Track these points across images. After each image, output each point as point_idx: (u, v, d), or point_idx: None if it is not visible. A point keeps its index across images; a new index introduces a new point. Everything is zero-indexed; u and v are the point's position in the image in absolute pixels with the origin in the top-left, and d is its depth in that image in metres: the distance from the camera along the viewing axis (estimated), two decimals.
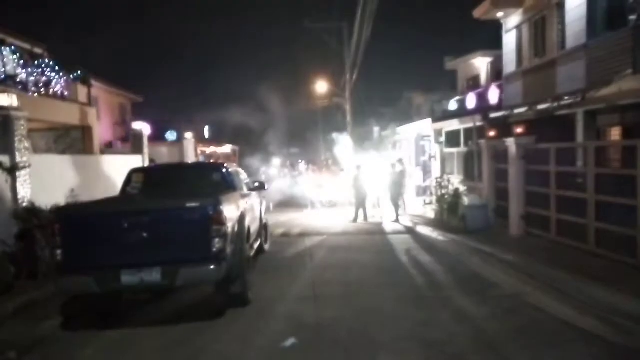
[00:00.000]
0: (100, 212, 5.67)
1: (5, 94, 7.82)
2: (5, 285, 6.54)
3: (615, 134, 10.01)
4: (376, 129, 26.04)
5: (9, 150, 7.59)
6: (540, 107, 11.07)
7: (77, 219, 5.47)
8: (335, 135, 32.24)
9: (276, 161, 28.82)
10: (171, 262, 5.20)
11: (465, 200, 11.23)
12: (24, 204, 7.64)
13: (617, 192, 7.28)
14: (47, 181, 8.44)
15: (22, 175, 7.72)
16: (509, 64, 14.44)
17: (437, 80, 24.58)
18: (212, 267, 5.24)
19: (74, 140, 13.12)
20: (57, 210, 5.71)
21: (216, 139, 31.62)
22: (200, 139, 25.62)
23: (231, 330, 5.15)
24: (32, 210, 7.56)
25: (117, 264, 5.21)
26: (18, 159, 7.65)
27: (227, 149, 31.79)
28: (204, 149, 26.79)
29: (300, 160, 30.10)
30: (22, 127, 7.87)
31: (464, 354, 4.32)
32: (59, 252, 5.23)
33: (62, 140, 13.03)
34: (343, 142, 21.28)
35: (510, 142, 10.02)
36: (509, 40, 14.39)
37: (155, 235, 5.23)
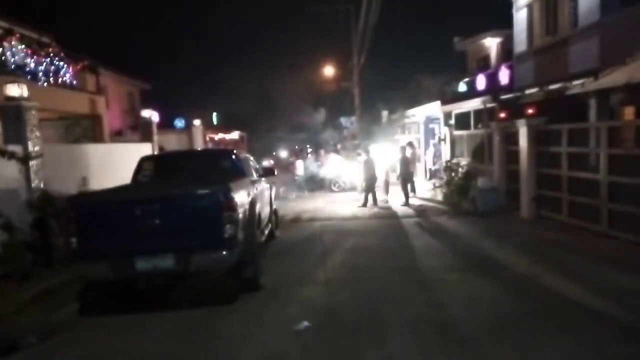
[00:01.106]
0: (113, 200, 5.74)
1: (16, 85, 7.85)
2: (23, 273, 6.68)
3: (628, 113, 9.84)
4: (385, 113, 25.84)
5: (22, 140, 7.67)
6: (552, 87, 10.90)
7: (91, 207, 5.54)
8: (343, 119, 32.07)
9: (284, 147, 28.79)
10: (184, 248, 5.26)
11: (476, 183, 11.17)
12: (38, 193, 7.75)
13: (630, 173, 7.19)
14: (59, 170, 8.53)
15: (35, 165, 7.81)
16: (520, 43, 14.19)
17: (446, 62, 24.26)
18: (224, 252, 5.30)
19: (84, 130, 13.22)
20: (71, 199, 5.78)
21: (224, 126, 31.66)
22: (208, 126, 25.64)
23: (244, 314, 5.23)
24: (46, 199, 7.67)
25: (131, 250, 5.28)
26: (30, 148, 7.74)
27: (235, 135, 31.84)
28: (212, 135, 26.84)
29: (308, 146, 30.05)
30: (33, 117, 7.93)
31: (475, 336, 4.34)
32: (73, 239, 5.31)
33: (73, 129, 13.13)
34: (350, 126, 21.16)
35: (521, 124, 9.90)
36: (520, 18, 14.12)
37: (168, 222, 5.28)
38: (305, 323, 4.78)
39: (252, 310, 5.34)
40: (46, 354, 4.57)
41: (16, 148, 7.52)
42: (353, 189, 16.23)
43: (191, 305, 5.63)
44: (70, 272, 6.13)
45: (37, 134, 7.96)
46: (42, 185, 7.89)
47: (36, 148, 7.86)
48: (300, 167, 18.87)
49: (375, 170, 13.66)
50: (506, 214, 10.34)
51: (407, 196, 13.36)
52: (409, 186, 13.73)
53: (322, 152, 22.55)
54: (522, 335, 4.33)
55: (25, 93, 7.85)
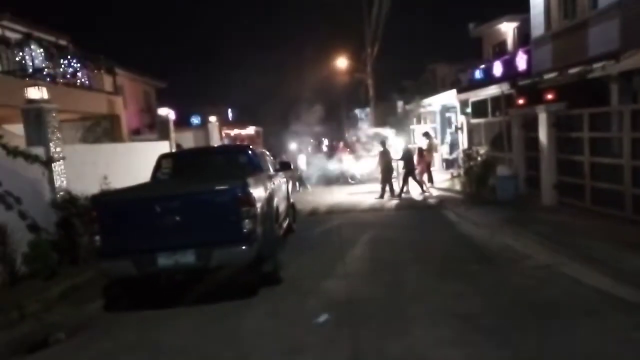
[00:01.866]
0: (134, 198, 5.83)
1: (36, 87, 8.02)
2: (50, 271, 6.87)
3: None
4: (400, 103, 25.60)
5: (44, 142, 7.84)
6: (572, 71, 10.62)
7: (113, 206, 5.64)
8: (357, 111, 31.89)
9: (299, 141, 28.67)
10: (204, 244, 5.33)
11: (495, 171, 11.02)
12: (61, 194, 7.93)
13: None
14: (80, 170, 8.71)
15: (57, 166, 7.98)
16: (537, 27, 13.84)
17: (462, 49, 23.86)
18: (243, 247, 5.35)
19: (104, 130, 13.45)
20: (93, 198, 5.90)
21: (239, 121, 31.81)
22: (224, 122, 25.79)
23: (265, 308, 5.28)
24: (69, 199, 7.85)
25: (152, 247, 5.37)
26: (52, 150, 7.91)
27: (250, 130, 31.95)
28: (227, 131, 26.99)
29: (324, 139, 29.99)
30: (54, 119, 8.10)
31: (497, 326, 4.31)
32: (97, 237, 5.43)
33: (93, 129, 13.37)
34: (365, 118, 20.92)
35: (541, 109, 9.71)
36: (536, 1, 13.75)
37: (188, 218, 5.35)
38: (326, 316, 4.80)
39: (272, 304, 5.39)
40: (74, 350, 4.69)
41: (38, 150, 7.69)
42: (369, 180, 16.17)
43: (212, 299, 5.71)
44: (95, 269, 6.28)
45: (59, 135, 8.13)
46: (65, 186, 8.07)
47: (58, 149, 8.03)
48: (302, 162, 18.24)
49: (392, 161, 13.56)
50: (527, 202, 10.17)
51: (422, 187, 13.27)
52: (425, 176, 13.61)
53: (340, 144, 22.47)
54: (546, 324, 4.27)
55: (46, 95, 8.01)
